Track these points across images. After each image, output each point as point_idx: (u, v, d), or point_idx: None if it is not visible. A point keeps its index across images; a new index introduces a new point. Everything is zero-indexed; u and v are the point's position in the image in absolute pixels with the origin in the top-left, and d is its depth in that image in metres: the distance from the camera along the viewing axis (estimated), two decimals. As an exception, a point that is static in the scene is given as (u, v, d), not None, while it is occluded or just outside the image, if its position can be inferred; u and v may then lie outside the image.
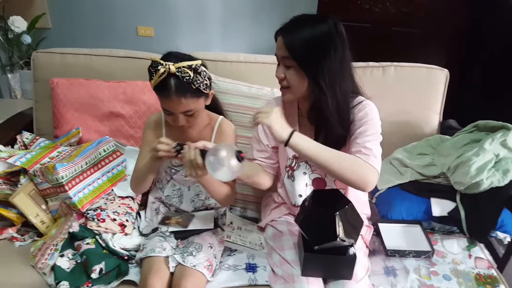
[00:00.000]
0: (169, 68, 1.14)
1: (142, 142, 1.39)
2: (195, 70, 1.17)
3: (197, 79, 1.17)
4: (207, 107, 1.33)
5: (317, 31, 1.09)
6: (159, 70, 1.14)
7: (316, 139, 1.21)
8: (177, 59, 1.17)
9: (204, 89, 1.20)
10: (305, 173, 1.31)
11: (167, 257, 1.24)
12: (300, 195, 1.32)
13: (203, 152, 1.08)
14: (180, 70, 1.14)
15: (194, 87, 1.17)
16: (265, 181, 1.35)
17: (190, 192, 1.42)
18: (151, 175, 1.31)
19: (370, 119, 1.17)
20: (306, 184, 1.32)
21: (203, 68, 1.20)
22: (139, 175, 1.32)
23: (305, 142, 1.08)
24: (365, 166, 1.10)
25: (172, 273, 1.21)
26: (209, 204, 1.45)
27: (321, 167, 1.10)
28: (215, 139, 1.35)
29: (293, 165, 1.32)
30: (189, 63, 1.16)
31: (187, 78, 1.15)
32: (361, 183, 1.10)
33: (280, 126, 1.07)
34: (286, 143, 1.07)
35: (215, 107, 1.42)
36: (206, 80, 1.20)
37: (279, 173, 1.40)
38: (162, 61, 1.15)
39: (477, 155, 1.38)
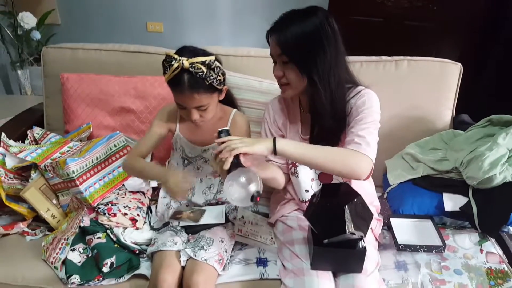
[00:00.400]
0: (182, 63, 1.13)
1: (149, 128, 1.37)
2: (209, 66, 1.17)
3: (210, 75, 1.17)
4: (221, 101, 1.33)
5: (308, 25, 1.08)
6: (172, 65, 1.14)
7: (312, 133, 1.23)
8: (191, 54, 1.17)
9: (217, 84, 1.20)
10: (310, 168, 1.31)
11: (178, 251, 1.24)
12: (307, 190, 1.32)
13: (235, 161, 1.04)
14: (193, 65, 1.14)
15: (207, 83, 1.17)
16: (282, 181, 1.35)
17: (202, 184, 1.43)
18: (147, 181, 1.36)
19: (368, 107, 1.17)
20: (312, 178, 1.32)
21: (217, 64, 1.20)
22: (136, 171, 1.33)
23: (290, 145, 1.09)
24: (356, 155, 1.10)
25: (183, 267, 1.22)
26: (220, 198, 1.45)
27: (311, 165, 1.11)
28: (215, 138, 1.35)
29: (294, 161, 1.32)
30: (203, 58, 1.16)
31: (200, 74, 1.15)
32: (354, 173, 1.10)
33: (258, 142, 1.07)
34: (275, 152, 1.07)
35: (229, 100, 1.42)
36: (219, 76, 1.20)
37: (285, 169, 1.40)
38: (176, 56, 1.15)
39: (490, 150, 1.36)
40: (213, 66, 1.18)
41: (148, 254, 1.30)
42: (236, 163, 1.04)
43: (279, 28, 1.11)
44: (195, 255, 1.21)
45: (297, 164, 1.30)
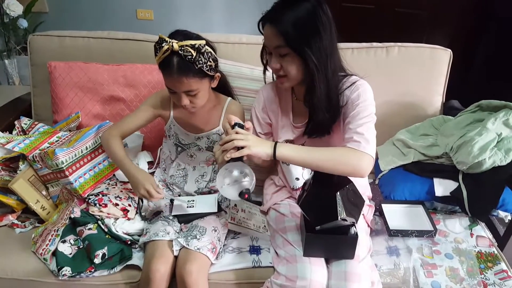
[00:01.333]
0: (172, 45, 1.13)
1: (137, 110, 1.38)
2: (198, 50, 1.16)
3: (199, 59, 1.16)
4: (216, 89, 1.33)
5: (303, 12, 1.06)
6: (163, 47, 1.14)
7: (307, 125, 1.22)
8: (183, 38, 1.16)
9: (207, 70, 1.20)
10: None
11: (171, 241, 1.24)
12: (297, 178, 1.32)
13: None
14: (183, 48, 1.14)
15: (197, 67, 1.17)
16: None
17: (195, 172, 1.43)
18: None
19: (363, 100, 1.15)
20: (299, 170, 1.32)
21: (208, 49, 1.19)
22: (110, 152, 1.34)
23: (291, 151, 1.08)
24: (356, 154, 1.09)
25: (175, 257, 1.22)
26: (212, 186, 1.46)
27: (312, 168, 1.10)
28: (224, 121, 1.34)
29: (303, 143, 1.30)
30: (193, 42, 1.15)
31: (189, 57, 1.15)
32: (355, 172, 1.10)
33: (260, 145, 1.06)
34: (274, 156, 1.06)
35: (224, 88, 1.42)
36: (210, 62, 1.20)
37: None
38: (167, 38, 1.15)
39: (480, 135, 1.37)
40: (202, 51, 1.17)
41: (140, 245, 1.29)
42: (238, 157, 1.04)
43: (276, 17, 1.07)
44: (188, 244, 1.21)
45: (303, 145, 1.29)
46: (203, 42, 1.18)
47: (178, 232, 1.29)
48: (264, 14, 1.11)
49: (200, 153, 1.42)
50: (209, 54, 1.19)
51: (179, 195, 1.47)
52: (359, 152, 1.09)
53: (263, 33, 1.13)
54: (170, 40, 1.14)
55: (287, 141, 1.30)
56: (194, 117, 1.37)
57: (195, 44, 1.15)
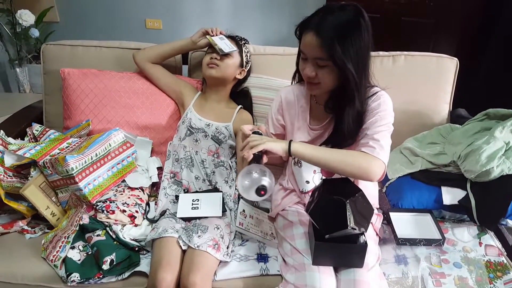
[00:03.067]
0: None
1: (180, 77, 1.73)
2: (245, 39, 1.69)
3: (244, 42, 1.66)
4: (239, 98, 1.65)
5: (350, 27, 1.05)
6: None
7: (333, 135, 1.24)
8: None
9: (244, 52, 1.61)
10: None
11: (177, 239, 1.26)
12: (308, 182, 1.33)
13: (257, 155, 1.11)
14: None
15: (240, 43, 1.62)
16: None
17: (197, 157, 1.53)
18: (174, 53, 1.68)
19: (383, 109, 1.17)
20: (314, 170, 1.33)
21: (248, 48, 1.67)
22: (156, 51, 1.64)
23: (305, 148, 1.12)
24: (369, 159, 1.12)
25: (183, 255, 1.24)
26: (216, 182, 1.52)
27: (324, 167, 1.13)
28: (234, 122, 1.56)
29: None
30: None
31: (237, 37, 1.64)
32: (366, 176, 1.12)
33: (275, 142, 1.11)
34: (290, 152, 1.10)
35: (245, 100, 1.65)
36: (248, 53, 1.64)
37: (288, 159, 1.43)
38: None
39: (488, 143, 1.37)
40: (246, 44, 1.67)
41: (148, 241, 1.31)
42: (257, 158, 1.10)
43: (321, 29, 1.05)
44: (189, 241, 1.23)
45: None
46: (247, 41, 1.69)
47: (183, 228, 1.32)
48: (305, 20, 1.11)
49: (204, 140, 1.54)
50: (247, 49, 1.65)
51: (185, 191, 1.51)
52: (372, 157, 1.11)
53: (300, 38, 1.13)
54: None
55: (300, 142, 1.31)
56: (209, 107, 1.59)
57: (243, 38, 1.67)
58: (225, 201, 1.47)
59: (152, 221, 1.41)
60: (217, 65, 1.51)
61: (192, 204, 1.41)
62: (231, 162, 1.56)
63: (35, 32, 2.43)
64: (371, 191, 1.39)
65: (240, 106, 1.62)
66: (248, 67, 1.64)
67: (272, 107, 1.42)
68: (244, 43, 1.64)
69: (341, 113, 1.17)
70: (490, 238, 1.38)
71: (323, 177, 1.33)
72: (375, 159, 1.12)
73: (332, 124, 1.25)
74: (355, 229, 1.05)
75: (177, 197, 1.47)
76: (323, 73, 1.12)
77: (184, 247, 1.25)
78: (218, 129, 1.54)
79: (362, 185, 1.29)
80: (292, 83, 1.38)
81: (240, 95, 1.66)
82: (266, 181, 1.06)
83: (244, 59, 1.59)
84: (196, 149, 1.54)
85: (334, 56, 1.05)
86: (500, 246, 1.36)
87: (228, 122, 1.56)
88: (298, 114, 1.34)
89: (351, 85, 1.10)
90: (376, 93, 1.20)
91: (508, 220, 1.40)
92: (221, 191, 1.49)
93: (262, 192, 1.05)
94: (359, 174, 1.12)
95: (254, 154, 1.09)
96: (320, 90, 1.18)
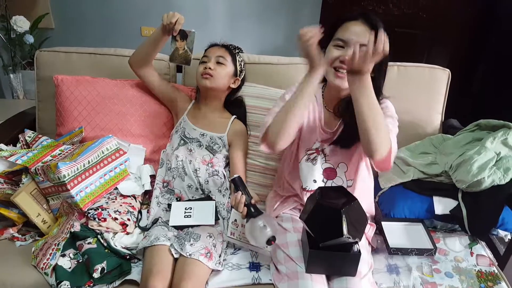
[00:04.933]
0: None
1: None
2: (239, 48, 1.68)
3: (238, 51, 1.66)
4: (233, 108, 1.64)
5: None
6: None
7: (343, 132, 1.31)
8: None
9: (238, 62, 1.61)
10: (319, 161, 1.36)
11: (169, 247, 1.26)
12: (315, 181, 1.34)
13: (251, 209, 1.22)
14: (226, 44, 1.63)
15: (234, 52, 1.62)
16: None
17: (191, 166, 1.51)
18: (151, 48, 1.58)
19: (390, 111, 1.28)
20: (324, 170, 1.35)
21: (241, 58, 1.65)
22: (139, 48, 1.60)
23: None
24: (388, 136, 1.15)
25: (175, 263, 1.24)
26: (210, 191, 1.52)
27: (364, 119, 1.10)
28: (229, 133, 1.56)
29: (323, 148, 1.35)
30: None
31: (231, 46, 1.64)
32: (378, 149, 1.11)
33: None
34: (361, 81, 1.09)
35: (239, 109, 1.65)
36: (241, 62, 1.64)
37: (289, 157, 1.41)
38: None
39: (479, 154, 1.38)
40: (240, 53, 1.68)
41: (139, 250, 1.30)
42: (253, 209, 1.21)
43: (370, 19, 1.21)
44: (181, 249, 1.23)
45: (323, 151, 1.35)
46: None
47: (176, 236, 1.32)
48: (345, 14, 1.24)
49: (198, 149, 1.53)
50: (241, 58, 1.65)
51: (178, 199, 1.51)
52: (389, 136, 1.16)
53: (335, 29, 1.24)
54: None
55: (323, 139, 1.36)
56: (203, 117, 1.58)
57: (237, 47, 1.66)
58: (218, 209, 1.47)
59: (144, 229, 1.40)
60: (211, 75, 1.51)
61: (185, 212, 1.41)
62: (225, 171, 1.55)
63: (30, 39, 2.42)
64: (366, 199, 1.40)
65: (234, 116, 1.61)
66: (242, 76, 1.64)
67: (289, 91, 1.33)
68: (238, 52, 1.65)
69: (352, 115, 1.18)
70: (481, 248, 1.39)
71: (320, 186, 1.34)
72: (389, 139, 1.15)
73: (341, 127, 1.31)
74: (350, 237, 1.05)
75: (169, 205, 1.46)
76: None
77: (176, 255, 1.24)
78: (213, 139, 1.54)
79: (360, 193, 1.31)
80: None
81: (234, 104, 1.65)
82: (274, 230, 1.17)
83: (238, 68, 1.59)
84: (190, 159, 1.52)
85: None
86: (491, 256, 1.37)
87: (222, 133, 1.55)
88: (309, 115, 1.36)
89: (380, 78, 1.23)
90: (381, 99, 1.27)
91: (499, 230, 1.41)
92: (214, 200, 1.49)
93: (272, 243, 1.16)
94: (377, 141, 1.10)
95: (246, 205, 1.21)
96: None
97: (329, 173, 1.34)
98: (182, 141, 1.55)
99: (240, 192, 1.23)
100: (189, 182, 1.51)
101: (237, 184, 1.26)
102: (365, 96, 1.09)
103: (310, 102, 1.20)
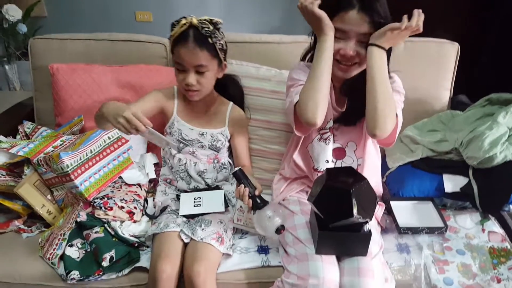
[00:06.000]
0: (191, 20, 1.24)
1: (143, 97, 1.42)
2: (215, 25, 1.26)
3: (215, 34, 1.25)
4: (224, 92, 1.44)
5: (385, 3, 1.12)
6: (181, 21, 1.24)
7: (348, 107, 1.28)
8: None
9: (219, 48, 1.28)
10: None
11: (179, 233, 1.25)
12: (327, 161, 1.32)
13: (255, 201, 1.19)
14: (201, 22, 1.24)
15: (211, 41, 1.25)
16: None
17: (196, 168, 1.44)
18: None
19: (398, 86, 1.26)
20: (334, 151, 1.33)
21: (222, 28, 1.29)
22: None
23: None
24: (394, 112, 1.13)
25: (183, 256, 1.22)
26: (218, 184, 1.48)
27: (374, 86, 1.10)
28: (229, 125, 1.45)
29: (336, 128, 1.32)
30: (210, 18, 1.25)
31: (207, 29, 1.23)
32: (384, 124, 1.10)
33: None
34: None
35: (235, 89, 1.51)
36: (222, 40, 1.29)
37: (297, 138, 1.37)
38: (186, 16, 1.25)
39: (490, 129, 1.36)
40: (218, 26, 1.27)
41: (148, 236, 1.29)
42: (258, 200, 1.18)
43: (368, 7, 1.09)
44: (193, 234, 1.22)
45: (334, 133, 1.32)
46: (220, 20, 1.27)
47: (185, 222, 1.31)
48: (344, 1, 1.12)
49: (202, 150, 1.44)
50: (223, 34, 1.29)
51: (185, 191, 1.47)
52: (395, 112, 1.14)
53: (340, 17, 1.12)
54: (189, 16, 1.24)
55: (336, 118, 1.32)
56: (198, 114, 1.42)
57: (213, 19, 1.25)
58: (227, 197, 1.44)
59: (152, 217, 1.39)
60: (196, 90, 1.32)
61: (194, 201, 1.39)
62: (230, 159, 1.52)
63: (23, 28, 2.37)
64: (376, 177, 1.39)
65: (231, 103, 1.48)
66: (226, 54, 1.36)
67: (295, 72, 1.30)
68: (214, 32, 1.26)
69: (357, 93, 1.17)
70: (493, 224, 1.37)
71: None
72: (395, 115, 1.13)
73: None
74: (360, 217, 1.04)
75: (178, 196, 1.44)
76: (363, 51, 1.13)
77: (186, 240, 1.24)
78: (214, 137, 1.44)
79: (369, 171, 1.30)
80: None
81: (227, 85, 1.48)
82: (282, 218, 1.15)
83: (221, 55, 1.31)
84: (194, 161, 1.43)
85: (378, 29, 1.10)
86: (503, 232, 1.35)
87: (222, 127, 1.45)
88: None
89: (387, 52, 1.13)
90: (389, 72, 1.21)
91: (510, 206, 1.39)
92: (222, 189, 1.46)
93: (282, 231, 1.14)
94: (384, 115, 1.10)
95: (250, 196, 1.18)
96: (356, 71, 1.19)
97: (338, 153, 1.32)
98: (182, 144, 1.44)
99: (243, 185, 1.20)
100: (195, 184, 1.46)
101: (240, 177, 1.21)
102: (381, 72, 1.09)
103: (331, 66, 1.14)
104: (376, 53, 1.10)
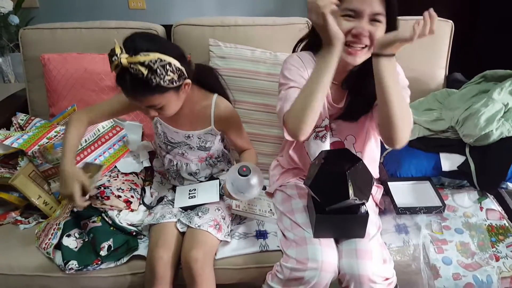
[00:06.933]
0: (120, 62, 1.00)
1: (117, 95, 1.25)
2: (150, 68, 1.00)
3: (152, 76, 1.01)
4: (207, 85, 1.30)
5: None
6: (113, 61, 1.01)
7: (350, 103, 1.21)
8: (135, 51, 1.01)
9: (168, 84, 1.05)
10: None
11: (175, 222, 1.25)
12: None
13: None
14: (132, 66, 1.00)
15: (153, 84, 1.03)
16: None
17: (188, 169, 1.40)
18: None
19: (402, 79, 1.17)
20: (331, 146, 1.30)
21: (164, 61, 1.03)
22: (64, 138, 1.22)
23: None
24: (410, 124, 1.07)
25: (180, 244, 1.22)
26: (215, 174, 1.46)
27: (386, 100, 1.01)
28: (215, 122, 1.30)
29: (332, 126, 1.27)
30: (142, 59, 1.00)
31: (140, 76, 1.01)
32: (401, 133, 1.03)
33: None
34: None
35: (213, 84, 1.33)
36: (169, 75, 1.04)
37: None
38: (117, 51, 1.01)
39: (486, 106, 1.35)
40: (155, 67, 1.01)
41: (145, 226, 1.29)
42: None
43: None
44: (190, 222, 1.22)
45: (332, 128, 1.27)
46: (155, 57, 1.01)
47: (182, 212, 1.30)
48: None
49: (191, 151, 1.36)
50: (167, 67, 1.03)
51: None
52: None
53: None
54: (120, 55, 1.00)
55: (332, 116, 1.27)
56: (181, 117, 1.27)
57: (144, 61, 1.00)
58: (222, 188, 1.39)
59: (149, 207, 1.39)
60: (162, 116, 1.23)
61: (189, 194, 1.37)
62: (225, 150, 1.45)
63: (15, 19, 2.34)
64: (374, 166, 1.36)
65: (215, 96, 1.30)
66: (183, 76, 1.11)
67: (288, 68, 1.19)
68: (154, 74, 1.02)
69: (360, 85, 1.13)
70: (490, 202, 1.37)
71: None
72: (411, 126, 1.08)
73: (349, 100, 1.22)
74: (357, 199, 1.03)
75: (174, 186, 1.43)
76: (378, 31, 1.06)
77: (182, 230, 1.23)
78: (201, 138, 1.33)
79: (366, 162, 1.21)
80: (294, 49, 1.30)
81: (205, 77, 1.31)
82: (258, 179, 1.15)
83: (172, 84, 1.08)
84: (185, 161, 1.38)
85: (389, 11, 1.06)
86: (501, 209, 1.35)
87: (209, 126, 1.31)
88: None
89: None
90: None
91: (508, 183, 1.38)
92: (218, 178, 1.44)
93: (244, 169, 1.11)
94: (402, 127, 1.02)
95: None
96: (365, 57, 1.09)
97: (337, 146, 1.29)
98: (169, 147, 1.36)
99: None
100: (189, 183, 1.42)
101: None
102: (393, 80, 1.01)
103: (330, 82, 1.03)
104: (386, 63, 1.00)
